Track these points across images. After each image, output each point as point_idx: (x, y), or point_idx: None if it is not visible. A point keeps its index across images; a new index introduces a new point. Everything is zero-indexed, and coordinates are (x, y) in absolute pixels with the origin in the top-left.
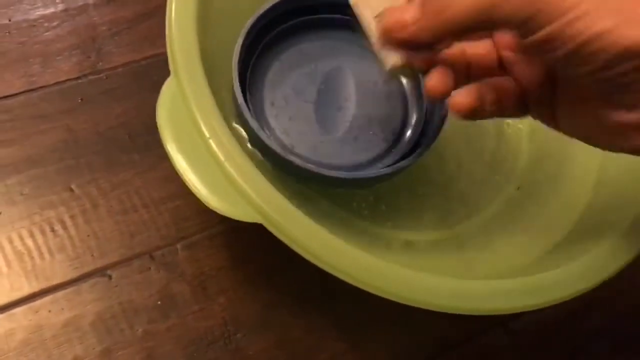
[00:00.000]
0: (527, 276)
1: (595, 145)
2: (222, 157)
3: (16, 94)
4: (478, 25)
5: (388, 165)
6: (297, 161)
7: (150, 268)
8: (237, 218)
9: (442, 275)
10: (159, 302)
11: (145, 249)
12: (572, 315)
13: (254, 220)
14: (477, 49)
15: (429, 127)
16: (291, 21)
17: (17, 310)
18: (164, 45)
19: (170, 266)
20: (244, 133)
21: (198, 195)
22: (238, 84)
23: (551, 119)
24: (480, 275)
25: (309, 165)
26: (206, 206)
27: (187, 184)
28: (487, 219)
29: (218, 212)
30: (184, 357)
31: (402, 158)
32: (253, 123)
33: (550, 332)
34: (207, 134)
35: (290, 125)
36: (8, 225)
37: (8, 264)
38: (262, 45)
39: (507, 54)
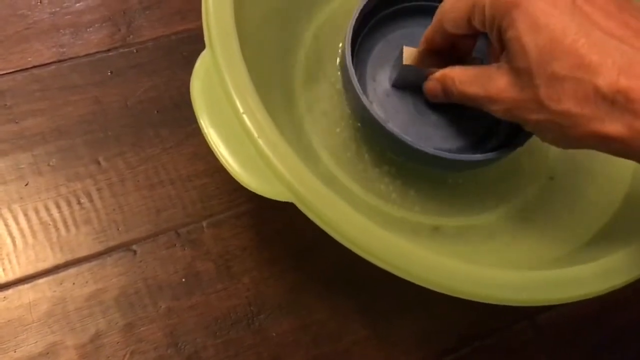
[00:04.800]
0: (558, 269)
1: None
2: (255, 134)
3: (47, 64)
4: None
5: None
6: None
7: (175, 245)
8: (267, 196)
9: (471, 262)
10: (184, 280)
11: (171, 225)
12: (600, 312)
13: (285, 199)
14: None
15: None
16: (396, 6)
17: (42, 280)
18: (194, 20)
19: (196, 244)
20: None
21: (229, 170)
22: (350, 57)
23: None
24: (510, 265)
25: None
26: (233, 185)
27: (218, 158)
28: (518, 208)
29: (249, 188)
30: (206, 335)
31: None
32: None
33: (576, 328)
34: (240, 109)
35: (386, 101)
36: (34, 196)
37: (34, 234)
38: (367, 27)
39: None
